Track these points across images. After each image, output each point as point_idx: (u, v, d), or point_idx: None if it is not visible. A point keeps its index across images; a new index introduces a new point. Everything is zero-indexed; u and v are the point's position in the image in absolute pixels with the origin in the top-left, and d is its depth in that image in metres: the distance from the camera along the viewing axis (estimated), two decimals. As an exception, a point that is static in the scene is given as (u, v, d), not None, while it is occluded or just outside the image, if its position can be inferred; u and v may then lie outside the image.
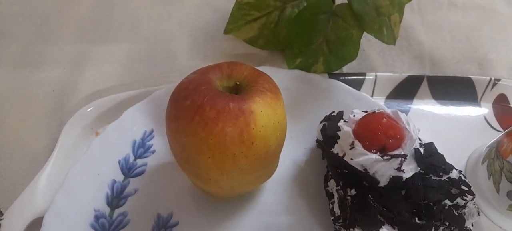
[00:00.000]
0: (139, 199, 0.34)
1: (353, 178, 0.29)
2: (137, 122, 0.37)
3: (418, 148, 0.28)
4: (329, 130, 0.33)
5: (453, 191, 0.28)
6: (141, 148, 0.36)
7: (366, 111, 0.31)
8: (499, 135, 0.34)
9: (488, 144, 0.35)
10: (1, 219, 0.32)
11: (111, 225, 0.32)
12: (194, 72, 0.30)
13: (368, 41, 0.46)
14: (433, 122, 0.40)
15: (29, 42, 0.46)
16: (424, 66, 0.46)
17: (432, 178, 0.29)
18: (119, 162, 0.35)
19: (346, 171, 0.30)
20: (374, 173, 0.28)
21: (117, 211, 0.33)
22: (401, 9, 0.40)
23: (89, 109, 0.39)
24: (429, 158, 0.29)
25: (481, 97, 0.42)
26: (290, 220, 0.33)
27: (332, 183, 0.31)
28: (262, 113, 0.27)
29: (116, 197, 0.34)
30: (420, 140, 0.30)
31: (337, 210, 0.30)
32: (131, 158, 0.36)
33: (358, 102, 0.37)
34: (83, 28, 0.48)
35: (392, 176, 0.28)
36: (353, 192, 0.29)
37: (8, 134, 0.39)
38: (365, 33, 0.40)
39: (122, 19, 0.49)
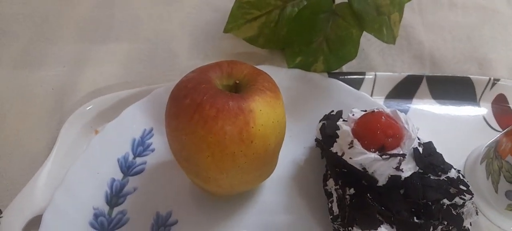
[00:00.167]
0: (138, 197, 0.34)
1: (352, 177, 0.29)
2: (136, 120, 0.37)
3: (417, 147, 0.28)
4: (328, 129, 0.33)
5: (452, 190, 0.28)
6: (141, 146, 0.36)
7: (365, 111, 0.31)
8: (498, 134, 0.34)
9: (487, 144, 0.35)
10: (1, 217, 0.32)
11: (110, 224, 0.32)
12: (193, 71, 0.30)
13: (368, 41, 0.46)
14: (433, 122, 0.40)
15: (29, 42, 0.46)
16: (424, 66, 0.46)
17: (431, 177, 0.29)
18: (118, 160, 0.35)
19: (345, 170, 0.30)
20: (373, 172, 0.28)
21: (116, 210, 0.33)
22: (401, 9, 0.40)
23: (88, 108, 0.39)
24: (428, 157, 0.29)
25: (480, 97, 0.42)
26: (289, 219, 0.33)
27: (331, 182, 0.31)
28: (262, 112, 0.27)
29: (115, 196, 0.34)
30: (419, 139, 0.30)
31: (336, 209, 0.30)
32: (131, 157, 0.36)
33: (357, 102, 0.37)
34: (83, 28, 0.48)
35: (391, 175, 0.28)
36: (352, 191, 0.29)
37: (8, 133, 0.39)
38: (365, 33, 0.40)
39: (123, 18, 0.49)
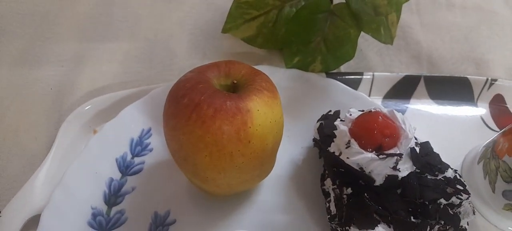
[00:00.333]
0: (136, 197, 0.34)
1: (350, 176, 0.29)
2: (135, 120, 0.37)
3: (413, 147, 0.28)
4: (326, 128, 0.33)
5: (449, 190, 0.28)
6: (139, 146, 0.36)
7: (363, 111, 0.31)
8: (495, 135, 0.34)
9: (484, 144, 0.35)
10: (-1, 216, 0.33)
11: (108, 223, 0.32)
12: (191, 71, 0.30)
13: (365, 41, 0.47)
14: (430, 122, 0.41)
15: (28, 41, 0.46)
16: (421, 66, 0.46)
17: (428, 177, 0.29)
18: (116, 160, 0.35)
19: (343, 170, 0.30)
20: (370, 172, 0.28)
21: (115, 209, 0.33)
22: (399, 9, 0.40)
23: (87, 108, 0.39)
24: (425, 157, 0.29)
25: (478, 97, 0.42)
26: (287, 218, 0.33)
27: (328, 182, 0.32)
28: (259, 112, 0.27)
29: (114, 195, 0.34)
30: (416, 139, 0.30)
31: (333, 208, 0.30)
32: (129, 156, 0.36)
33: (355, 102, 0.37)
34: (82, 27, 0.48)
35: (388, 175, 0.28)
36: (349, 190, 0.29)
37: (6, 132, 0.39)
38: (363, 33, 0.40)
39: (122, 17, 0.49)
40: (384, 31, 0.39)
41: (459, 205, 0.28)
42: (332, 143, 0.30)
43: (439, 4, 0.52)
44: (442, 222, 0.28)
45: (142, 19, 0.49)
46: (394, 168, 0.27)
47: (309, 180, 0.35)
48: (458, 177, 0.29)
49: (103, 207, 0.33)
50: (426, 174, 0.29)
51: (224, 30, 0.43)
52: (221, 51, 0.46)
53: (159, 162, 0.36)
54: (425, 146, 0.30)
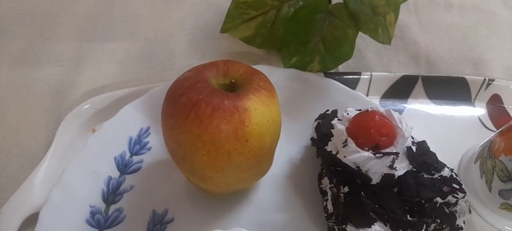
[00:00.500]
0: (134, 195, 0.34)
1: (346, 175, 0.29)
2: (133, 119, 0.37)
3: (410, 146, 0.29)
4: (323, 128, 0.33)
5: (445, 188, 0.28)
6: (137, 145, 0.36)
7: (360, 110, 0.31)
8: (492, 134, 0.34)
9: (481, 143, 0.35)
10: (-2, 214, 0.33)
11: (106, 221, 0.32)
12: (190, 70, 0.31)
13: (364, 41, 0.47)
14: (428, 122, 0.41)
15: (28, 40, 0.47)
16: (419, 66, 0.46)
17: (424, 176, 0.29)
18: (115, 158, 0.35)
19: (340, 169, 0.30)
20: (366, 171, 0.28)
21: (113, 207, 0.33)
22: (397, 9, 0.40)
23: (86, 107, 0.39)
24: (422, 156, 0.30)
25: (475, 97, 0.42)
26: (284, 217, 0.34)
27: (325, 181, 0.32)
28: (257, 111, 0.28)
29: (112, 193, 0.34)
30: (412, 138, 0.30)
31: (330, 207, 0.30)
32: (127, 155, 0.36)
33: (353, 102, 0.37)
34: (82, 27, 0.48)
35: (385, 174, 0.28)
36: (346, 189, 0.29)
37: (6, 131, 0.39)
38: (361, 33, 0.40)
39: (122, 17, 0.49)
40: (382, 31, 0.39)
41: (455, 203, 0.29)
42: (329, 142, 0.31)
43: (437, 4, 0.53)
44: (438, 221, 0.28)
45: (142, 19, 0.49)
46: (391, 166, 0.28)
47: (306, 179, 0.35)
48: (454, 176, 0.30)
49: (102, 205, 0.33)
50: (423, 173, 0.29)
51: (223, 30, 0.43)
52: (220, 51, 0.46)
53: (157, 160, 0.36)
54: (422, 145, 0.30)
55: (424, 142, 0.31)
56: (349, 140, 0.28)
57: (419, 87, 0.42)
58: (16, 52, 0.46)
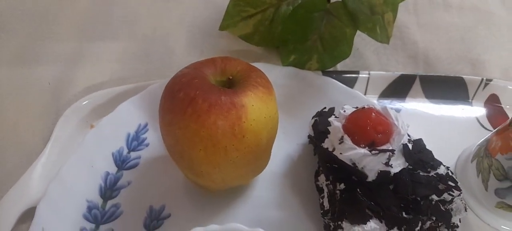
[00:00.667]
0: (132, 191, 0.34)
1: (343, 172, 0.30)
2: (131, 115, 0.37)
3: (406, 144, 0.29)
4: (320, 125, 0.33)
5: (440, 186, 0.29)
6: (135, 141, 0.37)
7: (357, 107, 0.31)
8: (489, 134, 0.35)
9: (479, 143, 0.35)
10: (-4, 208, 0.33)
11: (103, 216, 0.33)
12: (188, 67, 0.31)
13: (362, 40, 0.47)
14: (425, 121, 0.41)
15: (27, 38, 0.47)
16: (418, 66, 0.46)
17: (420, 173, 0.29)
18: (113, 154, 0.35)
19: (336, 166, 0.30)
20: (362, 168, 0.28)
21: (110, 203, 0.33)
22: (395, 8, 0.40)
23: (84, 103, 0.39)
24: (418, 154, 0.30)
25: (473, 97, 0.42)
26: (281, 214, 0.34)
27: (322, 178, 0.32)
28: (254, 107, 0.28)
29: (109, 189, 0.34)
30: (409, 136, 0.30)
31: (326, 204, 0.30)
32: (125, 151, 0.36)
33: (351, 100, 0.37)
34: (82, 24, 0.48)
35: (380, 171, 0.28)
36: (342, 186, 0.29)
37: (4, 127, 0.39)
38: (360, 33, 0.40)
39: (121, 15, 0.50)
40: (380, 31, 0.39)
41: (451, 201, 0.29)
42: (326, 139, 0.31)
43: (437, 4, 0.53)
44: (434, 218, 0.28)
45: (141, 17, 0.49)
46: (387, 164, 0.28)
47: (303, 176, 0.35)
48: (450, 174, 0.30)
49: (99, 201, 0.33)
50: (419, 171, 0.29)
51: (222, 28, 0.43)
52: (219, 48, 0.46)
53: (155, 156, 0.36)
54: (418, 143, 0.30)
55: (420, 139, 0.31)
56: (346, 136, 0.29)
57: (417, 86, 0.42)
58: (15, 49, 0.46)
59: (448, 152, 0.37)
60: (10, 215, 0.32)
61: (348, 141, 0.28)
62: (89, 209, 0.32)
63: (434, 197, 0.28)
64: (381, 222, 0.28)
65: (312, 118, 0.35)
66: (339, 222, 0.28)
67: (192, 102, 0.27)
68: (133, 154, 0.36)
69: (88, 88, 0.42)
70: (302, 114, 0.38)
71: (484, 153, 0.33)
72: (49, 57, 0.45)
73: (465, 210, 0.30)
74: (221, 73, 0.31)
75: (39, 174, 0.34)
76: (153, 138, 0.37)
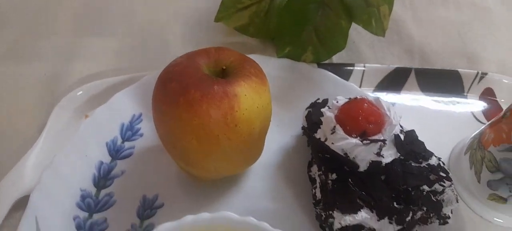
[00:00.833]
0: (125, 180, 0.34)
1: (335, 162, 0.30)
2: (126, 106, 0.37)
3: (398, 135, 0.29)
4: (314, 116, 0.33)
5: (431, 177, 0.29)
6: (129, 131, 0.37)
7: (350, 98, 0.31)
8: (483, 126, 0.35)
9: (472, 135, 0.35)
10: (-11, 196, 0.33)
11: (97, 205, 0.33)
12: (181, 56, 0.31)
13: (358, 33, 0.47)
14: (420, 114, 0.41)
15: (24, 32, 0.47)
16: (413, 60, 0.46)
17: (412, 164, 0.29)
18: (107, 144, 0.35)
19: (328, 156, 0.30)
20: (354, 157, 0.28)
21: (103, 192, 0.33)
22: (391, 1, 0.40)
23: (79, 93, 0.39)
24: (410, 144, 0.30)
25: (468, 90, 0.42)
26: (274, 204, 0.34)
27: (314, 168, 0.32)
28: (246, 97, 0.28)
29: (103, 178, 0.34)
30: (401, 127, 0.31)
31: (318, 194, 0.31)
32: (119, 141, 0.36)
33: (346, 93, 0.37)
34: (78, 16, 0.48)
35: (372, 161, 0.28)
36: (334, 176, 0.29)
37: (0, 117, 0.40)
38: (356, 26, 0.40)
39: (117, 7, 0.49)
40: (376, 23, 0.39)
41: (442, 192, 0.29)
42: (319, 129, 0.31)
43: (433, -1, 0.53)
44: (425, 209, 0.28)
45: (136, 9, 0.49)
46: (378, 154, 0.28)
47: (297, 167, 0.36)
48: (442, 165, 0.30)
49: (92, 190, 0.33)
50: (410, 161, 0.30)
51: (217, 19, 0.43)
52: (214, 40, 0.46)
53: (149, 147, 0.36)
54: (410, 134, 0.31)
55: (412, 131, 0.31)
56: (338, 127, 0.29)
57: (412, 79, 0.42)
58: (12, 43, 0.46)
59: (443, 144, 0.37)
60: (4, 203, 0.32)
61: (340, 131, 0.28)
62: (83, 197, 0.33)
63: (425, 187, 0.28)
64: (372, 212, 0.28)
65: (306, 109, 0.35)
66: (330, 212, 0.28)
67: (184, 92, 0.27)
68: (127, 144, 0.36)
69: (83, 79, 0.42)
70: (297, 106, 0.38)
71: (477, 145, 0.33)
72: (45, 48, 0.45)
73: (457, 201, 0.30)
74: (214, 63, 0.31)
75: (33, 163, 0.34)
76: (147, 128, 0.37)
